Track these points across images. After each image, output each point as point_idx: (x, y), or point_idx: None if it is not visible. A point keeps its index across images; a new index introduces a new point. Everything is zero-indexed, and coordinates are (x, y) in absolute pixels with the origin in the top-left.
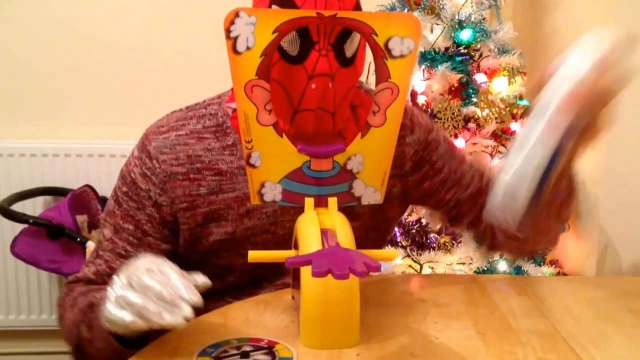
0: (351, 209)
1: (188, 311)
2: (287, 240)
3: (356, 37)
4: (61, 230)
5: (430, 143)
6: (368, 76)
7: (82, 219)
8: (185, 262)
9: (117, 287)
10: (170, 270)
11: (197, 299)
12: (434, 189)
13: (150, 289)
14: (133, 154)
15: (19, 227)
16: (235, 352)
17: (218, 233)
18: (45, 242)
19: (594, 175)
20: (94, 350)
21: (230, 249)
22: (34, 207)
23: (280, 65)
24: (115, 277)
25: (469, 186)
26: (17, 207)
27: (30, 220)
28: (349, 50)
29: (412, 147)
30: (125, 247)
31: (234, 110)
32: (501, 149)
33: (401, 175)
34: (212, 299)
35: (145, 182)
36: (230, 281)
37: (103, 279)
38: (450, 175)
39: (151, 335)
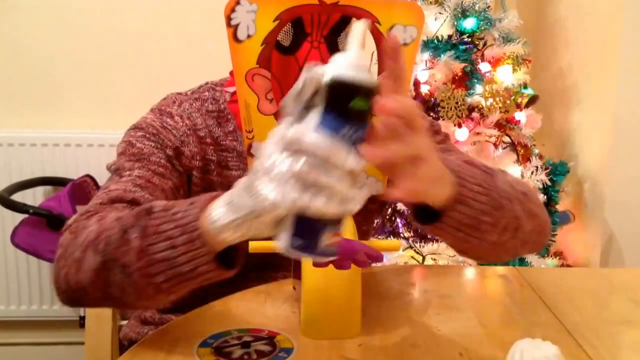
0: None
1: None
2: None
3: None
4: (61, 220)
5: None
6: (371, 65)
7: (82, 209)
8: None
9: (288, 163)
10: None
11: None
12: None
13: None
14: (147, 116)
15: (19, 217)
16: (236, 342)
17: None
18: (45, 232)
19: (599, 167)
20: (147, 263)
21: None
22: (34, 197)
23: (274, 55)
24: (268, 148)
25: None
26: (17, 197)
27: (31, 210)
28: (344, 44)
29: None
30: (157, 169)
31: (232, 94)
32: (505, 138)
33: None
34: (202, 290)
35: (166, 132)
36: None
37: (148, 192)
38: None
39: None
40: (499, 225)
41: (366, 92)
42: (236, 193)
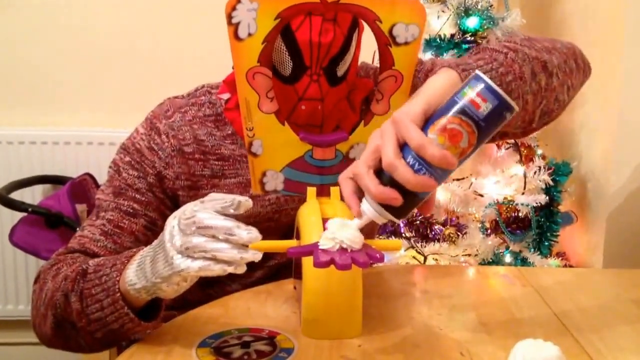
0: None
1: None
2: (291, 228)
3: (349, 55)
4: (60, 219)
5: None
6: (372, 63)
7: (81, 207)
8: None
9: (176, 237)
10: (211, 214)
11: (255, 232)
12: None
13: (213, 228)
14: (138, 130)
15: (18, 215)
16: (236, 342)
17: None
18: (44, 231)
19: (602, 168)
20: (87, 322)
21: None
22: (32, 196)
23: (273, 81)
24: (167, 225)
25: None
26: (16, 195)
27: (29, 209)
28: (341, 70)
29: None
30: (132, 205)
31: (226, 101)
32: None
33: None
34: (210, 280)
35: (151, 154)
36: None
37: (112, 239)
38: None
39: (158, 309)
40: (525, 75)
41: None
42: (148, 261)
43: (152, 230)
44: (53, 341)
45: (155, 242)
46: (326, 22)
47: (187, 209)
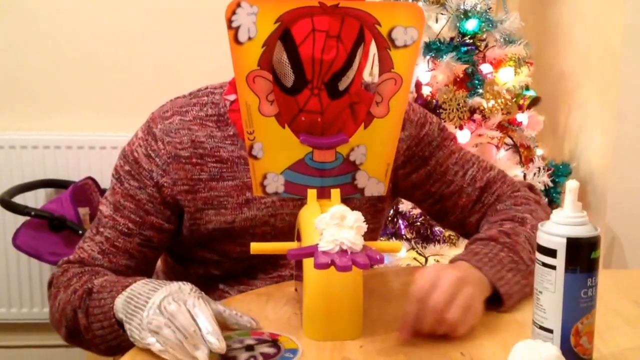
0: (348, 201)
1: (203, 356)
2: (286, 233)
3: (352, 70)
4: (63, 222)
5: (423, 138)
6: (372, 67)
7: (84, 211)
8: (186, 245)
9: (150, 316)
10: (200, 310)
11: (221, 344)
12: (420, 180)
13: (178, 323)
14: (137, 135)
15: (21, 219)
16: (239, 345)
17: (217, 222)
18: (47, 235)
19: (602, 169)
20: (92, 337)
21: (228, 239)
22: (35, 200)
23: (275, 89)
24: (150, 300)
25: (452, 183)
26: (19, 199)
27: (32, 213)
28: (343, 85)
29: (404, 142)
30: (127, 225)
31: (232, 102)
32: (507, 140)
33: (393, 168)
34: (207, 285)
35: (148, 163)
36: (226, 268)
37: (108, 258)
38: (436, 168)
39: None
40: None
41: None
42: (132, 306)
43: (148, 247)
44: (70, 342)
45: (140, 293)
46: (330, 39)
47: (182, 298)
